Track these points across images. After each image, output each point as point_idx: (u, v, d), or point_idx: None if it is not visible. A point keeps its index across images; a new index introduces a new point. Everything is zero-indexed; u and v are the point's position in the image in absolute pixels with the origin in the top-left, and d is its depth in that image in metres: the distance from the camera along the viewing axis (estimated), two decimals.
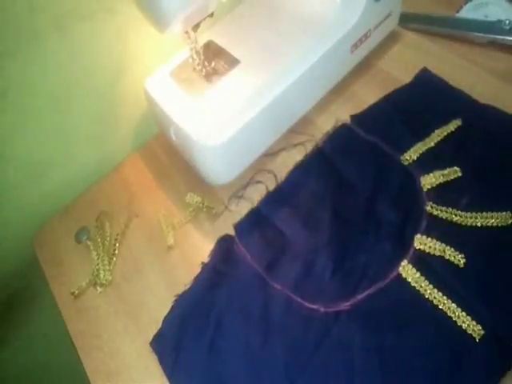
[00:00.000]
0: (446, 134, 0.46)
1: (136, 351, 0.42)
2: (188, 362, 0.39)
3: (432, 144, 0.46)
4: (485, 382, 0.34)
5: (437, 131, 0.46)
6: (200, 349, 0.39)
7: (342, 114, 0.51)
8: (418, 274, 0.38)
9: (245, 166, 0.49)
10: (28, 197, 0.52)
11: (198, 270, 0.44)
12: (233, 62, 0.47)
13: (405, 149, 0.46)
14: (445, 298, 0.37)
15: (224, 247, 0.45)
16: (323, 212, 0.44)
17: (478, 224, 0.40)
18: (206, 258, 0.44)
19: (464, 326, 0.35)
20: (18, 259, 0.56)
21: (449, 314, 0.36)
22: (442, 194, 0.42)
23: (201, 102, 0.46)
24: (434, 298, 0.37)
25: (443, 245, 0.39)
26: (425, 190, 0.43)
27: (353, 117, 0.50)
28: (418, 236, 0.40)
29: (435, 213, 0.41)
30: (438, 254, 0.39)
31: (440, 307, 0.37)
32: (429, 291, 0.37)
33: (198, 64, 0.47)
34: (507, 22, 0.51)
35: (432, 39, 0.56)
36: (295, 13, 0.51)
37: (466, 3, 0.57)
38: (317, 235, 0.43)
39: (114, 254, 0.48)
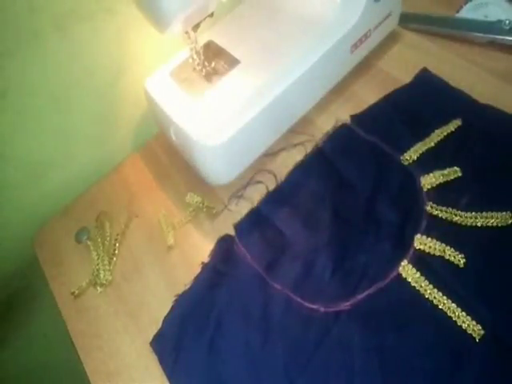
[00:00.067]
0: (445, 134, 0.46)
1: (136, 351, 0.42)
2: (188, 362, 0.39)
3: (432, 144, 0.46)
4: (485, 382, 0.34)
5: (437, 131, 0.46)
6: (200, 349, 0.39)
7: (342, 113, 0.51)
8: (418, 274, 0.38)
9: (245, 165, 0.49)
10: (28, 197, 0.52)
11: (198, 269, 0.44)
12: (233, 62, 0.47)
13: (405, 149, 0.46)
14: (445, 297, 0.37)
15: (224, 247, 0.45)
16: (323, 212, 0.44)
17: (478, 224, 0.40)
18: (206, 258, 0.44)
19: (464, 325, 0.35)
20: (18, 259, 0.56)
21: (449, 313, 0.36)
22: (442, 193, 0.42)
23: (201, 102, 0.46)
24: (434, 297, 0.37)
25: (443, 245, 0.39)
26: (425, 189, 0.43)
27: (353, 117, 0.50)
28: (418, 236, 0.40)
29: (435, 213, 0.41)
30: (437, 253, 0.39)
31: (440, 307, 0.37)
32: (429, 291, 0.37)
33: (198, 64, 0.47)
34: (507, 22, 0.51)
35: (432, 39, 0.56)
36: (295, 13, 0.51)
37: (465, 3, 0.57)
38: (317, 235, 0.43)
39: (114, 254, 0.48)
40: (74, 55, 0.46)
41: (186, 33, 0.43)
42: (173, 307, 0.42)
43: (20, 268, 0.57)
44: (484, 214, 0.40)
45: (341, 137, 0.49)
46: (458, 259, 0.38)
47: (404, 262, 0.39)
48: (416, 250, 0.40)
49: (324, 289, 0.40)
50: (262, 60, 0.47)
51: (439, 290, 0.37)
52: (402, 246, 0.40)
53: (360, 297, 0.39)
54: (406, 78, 0.52)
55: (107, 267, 0.47)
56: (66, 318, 0.46)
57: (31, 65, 0.44)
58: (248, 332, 0.39)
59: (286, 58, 0.47)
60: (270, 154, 0.51)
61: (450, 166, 0.43)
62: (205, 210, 0.49)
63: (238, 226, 0.45)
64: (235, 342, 0.39)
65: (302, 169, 0.48)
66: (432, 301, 0.37)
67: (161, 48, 0.51)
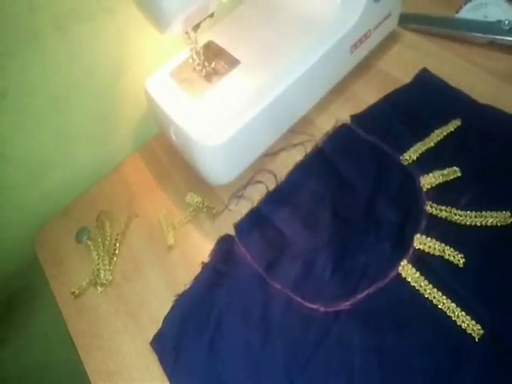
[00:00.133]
0: (445, 134, 0.46)
1: (136, 351, 0.42)
2: (188, 362, 0.39)
3: (432, 144, 0.46)
4: (484, 382, 0.34)
5: (436, 131, 0.46)
6: (200, 348, 0.39)
7: (341, 113, 0.51)
8: (418, 274, 0.38)
9: (245, 165, 0.49)
10: (28, 197, 0.52)
11: (198, 269, 0.44)
12: (233, 62, 0.48)
13: (404, 149, 0.46)
14: (444, 297, 0.37)
15: (224, 247, 0.45)
16: (323, 212, 0.44)
17: (478, 223, 0.40)
18: (206, 258, 0.45)
19: (463, 325, 0.36)
20: (19, 259, 0.56)
21: (448, 313, 0.36)
22: (441, 193, 0.43)
23: (201, 102, 0.46)
24: (434, 297, 0.37)
25: (443, 244, 0.39)
26: (424, 189, 0.43)
27: (353, 117, 0.50)
28: (418, 236, 0.40)
29: (435, 212, 0.41)
30: (437, 253, 0.39)
31: (439, 307, 0.37)
32: (428, 291, 0.37)
33: (198, 64, 0.47)
34: (506, 22, 0.52)
35: (431, 39, 0.56)
36: (295, 13, 0.51)
37: (465, 3, 0.57)
38: (317, 235, 0.43)
39: (114, 254, 0.48)
40: (74, 55, 0.46)
41: (186, 33, 0.43)
42: (173, 307, 0.42)
43: (20, 268, 0.57)
44: (483, 213, 0.40)
45: (341, 137, 0.49)
46: (458, 259, 0.38)
47: (404, 262, 0.39)
48: (416, 249, 0.40)
49: (324, 289, 0.40)
50: (262, 60, 0.47)
51: (439, 289, 0.37)
52: (401, 246, 0.40)
53: (360, 296, 0.39)
54: (405, 78, 0.52)
55: (107, 267, 0.47)
56: (67, 318, 0.46)
57: (31, 65, 0.44)
58: (248, 332, 0.39)
59: (286, 58, 0.47)
60: (270, 153, 0.51)
61: (450, 165, 0.43)
62: (205, 209, 0.49)
63: (238, 226, 0.45)
64: (235, 341, 0.39)
65: (301, 169, 0.48)
66: (431, 300, 0.37)
67: (161, 48, 0.51)
